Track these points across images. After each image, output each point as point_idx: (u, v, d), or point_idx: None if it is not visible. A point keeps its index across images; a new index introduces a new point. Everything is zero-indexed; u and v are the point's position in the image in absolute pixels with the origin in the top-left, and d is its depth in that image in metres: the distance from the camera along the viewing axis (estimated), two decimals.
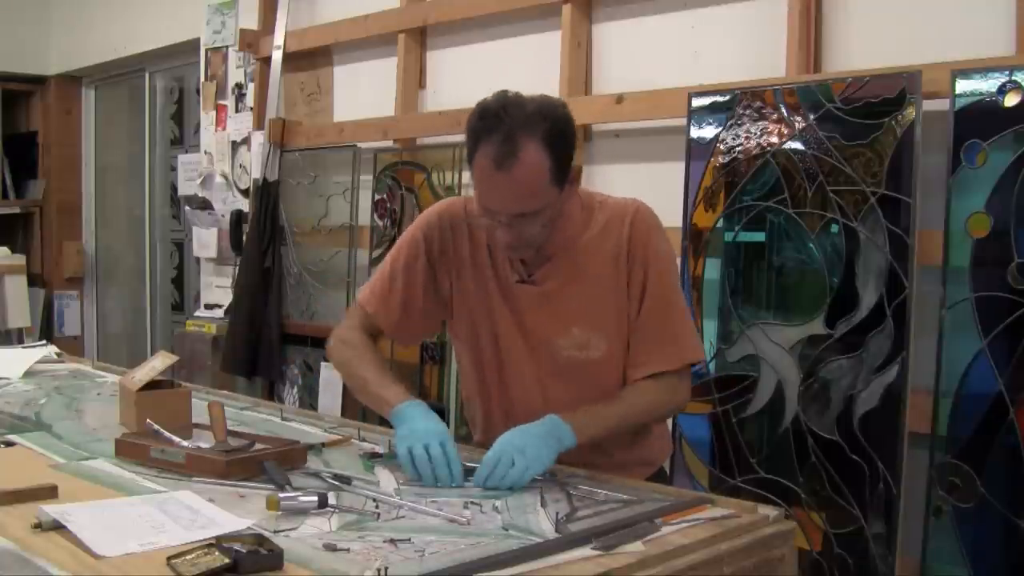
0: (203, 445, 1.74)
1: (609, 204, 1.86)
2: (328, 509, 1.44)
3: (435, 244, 1.90)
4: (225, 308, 4.59)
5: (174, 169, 5.47)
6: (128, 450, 1.74)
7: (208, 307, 4.86)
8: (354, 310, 2.02)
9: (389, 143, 3.78)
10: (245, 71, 4.70)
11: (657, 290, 1.82)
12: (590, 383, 1.84)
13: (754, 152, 2.54)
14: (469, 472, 1.66)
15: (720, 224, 2.61)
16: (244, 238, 4.30)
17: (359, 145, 3.88)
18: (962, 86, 2.22)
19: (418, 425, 1.70)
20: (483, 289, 1.87)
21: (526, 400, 1.85)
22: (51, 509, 1.35)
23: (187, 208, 5.02)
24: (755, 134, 2.55)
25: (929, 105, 2.28)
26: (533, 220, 1.71)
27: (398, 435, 1.71)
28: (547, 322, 1.83)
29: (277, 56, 4.30)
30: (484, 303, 1.87)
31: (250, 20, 4.57)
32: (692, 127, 2.69)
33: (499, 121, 1.66)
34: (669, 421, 2.30)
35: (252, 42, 4.48)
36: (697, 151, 2.67)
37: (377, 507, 1.48)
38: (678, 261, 2.57)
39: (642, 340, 1.83)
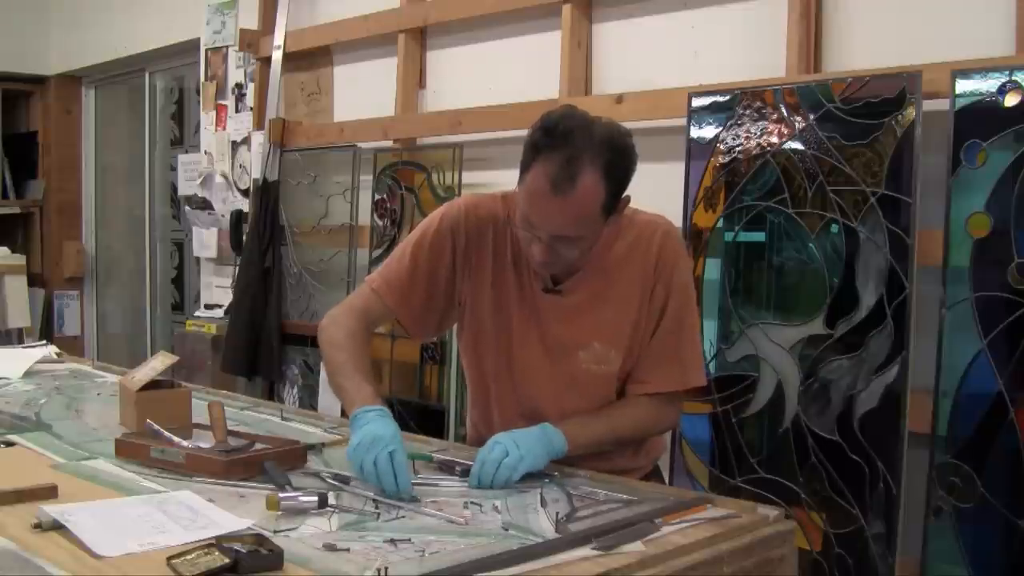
0: (203, 445, 1.74)
1: (638, 220, 1.84)
2: (328, 509, 1.44)
3: (461, 242, 1.85)
4: (225, 308, 4.59)
5: (174, 169, 5.47)
6: (128, 450, 1.74)
7: (208, 307, 4.86)
8: (364, 293, 1.91)
9: (389, 143, 3.78)
10: (245, 71, 4.70)
11: (674, 314, 1.82)
12: (600, 396, 1.84)
13: (754, 152, 2.54)
14: (468, 471, 1.66)
15: (720, 224, 2.61)
16: (244, 238, 4.30)
17: (359, 145, 3.88)
18: (962, 86, 2.22)
19: (367, 433, 1.59)
20: (501, 294, 1.84)
21: (538, 408, 1.82)
22: (51, 509, 1.34)
23: (187, 208, 5.02)
24: (755, 134, 2.54)
25: (929, 105, 2.27)
26: (571, 245, 1.70)
27: (350, 444, 1.62)
28: (571, 333, 1.82)
29: (277, 56, 4.30)
30: (500, 308, 1.85)
31: (250, 20, 4.57)
32: (692, 127, 2.69)
33: (564, 142, 1.62)
34: None
35: (252, 42, 4.48)
36: (697, 151, 2.67)
37: (377, 507, 1.48)
38: None
39: (649, 359, 1.83)
